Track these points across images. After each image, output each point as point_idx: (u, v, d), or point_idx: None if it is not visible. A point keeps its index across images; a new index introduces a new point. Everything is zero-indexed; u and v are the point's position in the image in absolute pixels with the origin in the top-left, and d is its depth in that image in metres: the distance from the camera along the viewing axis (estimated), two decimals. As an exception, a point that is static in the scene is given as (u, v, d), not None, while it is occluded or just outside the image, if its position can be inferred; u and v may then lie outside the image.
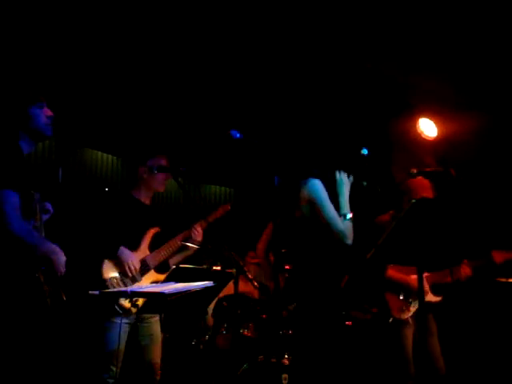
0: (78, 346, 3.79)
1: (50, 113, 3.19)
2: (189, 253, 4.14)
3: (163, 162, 4.04)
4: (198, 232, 4.06)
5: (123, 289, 3.66)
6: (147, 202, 4.06)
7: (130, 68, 5.26)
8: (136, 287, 3.60)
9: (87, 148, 6.42)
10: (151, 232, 3.98)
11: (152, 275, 3.91)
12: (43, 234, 3.15)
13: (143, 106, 5.83)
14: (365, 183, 3.72)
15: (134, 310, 3.66)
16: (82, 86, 5.31)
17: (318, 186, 3.58)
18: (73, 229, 3.79)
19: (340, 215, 3.57)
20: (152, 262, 3.92)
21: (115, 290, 3.66)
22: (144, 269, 3.88)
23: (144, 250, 3.93)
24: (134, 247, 3.88)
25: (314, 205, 3.54)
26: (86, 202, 4.01)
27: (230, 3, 4.54)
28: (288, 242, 3.70)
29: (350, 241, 3.58)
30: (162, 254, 3.97)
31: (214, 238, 4.13)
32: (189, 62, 5.28)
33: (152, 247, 3.97)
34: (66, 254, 3.06)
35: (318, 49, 5.12)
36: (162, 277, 3.91)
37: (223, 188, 7.99)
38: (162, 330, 4.60)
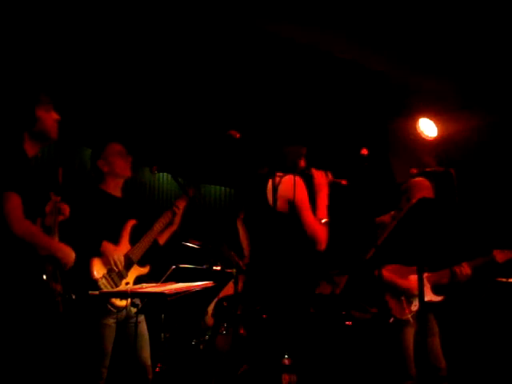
0: (68, 348, 3.76)
1: (56, 116, 3.19)
2: (173, 227, 4.09)
3: (118, 148, 3.95)
4: (179, 207, 4.03)
5: (123, 289, 3.65)
6: (118, 194, 3.97)
7: (130, 68, 5.26)
8: (136, 287, 3.58)
9: (87, 148, 6.42)
10: (129, 224, 3.92)
11: (136, 270, 3.85)
12: (56, 235, 3.13)
13: (143, 106, 5.83)
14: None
15: (133, 309, 3.67)
16: (82, 85, 5.30)
17: (299, 183, 3.40)
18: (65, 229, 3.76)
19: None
20: (135, 256, 3.86)
21: (114, 290, 3.65)
22: (128, 264, 3.83)
23: (125, 244, 3.86)
24: (115, 242, 3.83)
25: (293, 203, 3.34)
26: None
27: (229, 3, 4.55)
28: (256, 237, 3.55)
29: (322, 247, 3.38)
30: (143, 246, 3.90)
31: (214, 238, 4.11)
32: (188, 63, 5.28)
33: (131, 240, 3.93)
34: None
35: (318, 49, 5.13)
36: (144, 270, 3.88)
37: (223, 188, 7.98)
38: (162, 330, 4.60)
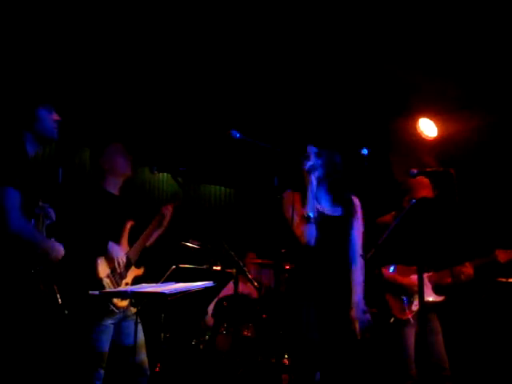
0: (66, 348, 3.75)
1: (57, 117, 3.22)
2: (161, 229, 4.06)
3: (119, 147, 3.95)
4: (168, 210, 4.02)
5: (123, 289, 3.64)
6: (116, 192, 3.95)
7: (130, 68, 5.25)
8: (136, 287, 3.58)
9: (87, 148, 6.42)
10: (128, 225, 3.93)
11: (133, 271, 3.85)
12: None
13: (143, 106, 5.83)
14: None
15: (133, 309, 3.66)
16: (82, 86, 5.31)
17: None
18: (66, 230, 3.76)
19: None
20: (133, 257, 3.88)
21: (115, 290, 3.65)
22: (128, 264, 3.83)
23: (125, 245, 3.86)
24: (117, 241, 3.81)
25: None
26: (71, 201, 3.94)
27: (230, 2, 4.54)
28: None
29: (306, 241, 3.53)
30: (139, 247, 3.91)
31: (214, 238, 4.11)
32: (189, 62, 5.28)
33: (129, 241, 3.92)
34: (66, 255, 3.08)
35: (318, 48, 5.12)
36: (139, 271, 3.89)
37: (223, 188, 7.99)
38: (162, 330, 4.60)
